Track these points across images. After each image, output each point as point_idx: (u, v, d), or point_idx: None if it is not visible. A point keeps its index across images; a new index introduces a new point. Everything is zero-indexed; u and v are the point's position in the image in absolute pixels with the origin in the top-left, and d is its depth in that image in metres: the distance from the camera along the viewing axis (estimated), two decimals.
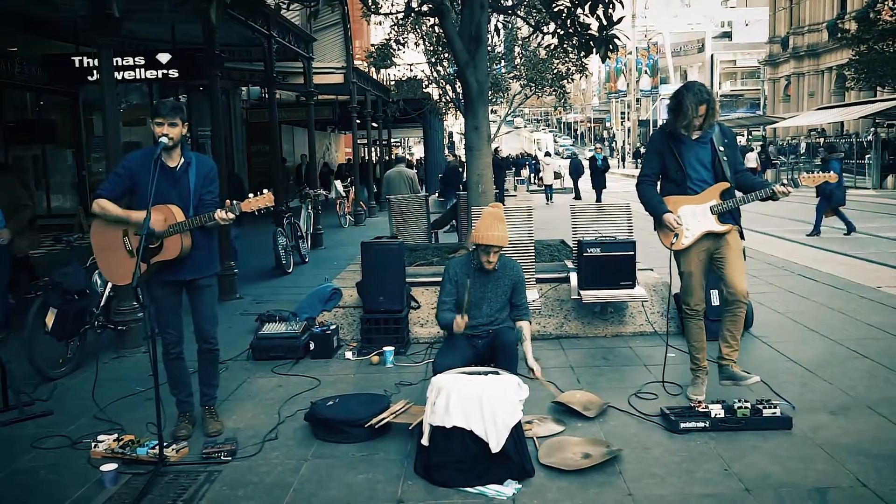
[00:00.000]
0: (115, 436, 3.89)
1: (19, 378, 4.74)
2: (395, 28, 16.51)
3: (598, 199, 19.32)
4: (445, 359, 4.23)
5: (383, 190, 12.95)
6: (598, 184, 20.43)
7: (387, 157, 24.81)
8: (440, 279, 6.04)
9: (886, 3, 22.44)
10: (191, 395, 4.21)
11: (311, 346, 5.63)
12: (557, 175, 27.27)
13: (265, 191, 3.91)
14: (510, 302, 4.49)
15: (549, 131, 77.79)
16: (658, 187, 4.48)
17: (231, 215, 3.80)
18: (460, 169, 14.24)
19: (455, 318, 4.22)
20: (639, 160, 49.93)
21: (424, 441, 3.51)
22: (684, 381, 4.70)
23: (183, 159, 3.96)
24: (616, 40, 6.84)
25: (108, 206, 3.87)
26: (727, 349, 4.39)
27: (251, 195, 3.88)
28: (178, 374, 4.15)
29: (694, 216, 4.28)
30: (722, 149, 4.30)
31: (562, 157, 48.92)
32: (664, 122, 4.50)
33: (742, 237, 4.42)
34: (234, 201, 3.83)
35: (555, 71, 17.64)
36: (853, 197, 20.72)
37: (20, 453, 3.93)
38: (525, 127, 78.70)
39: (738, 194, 4.31)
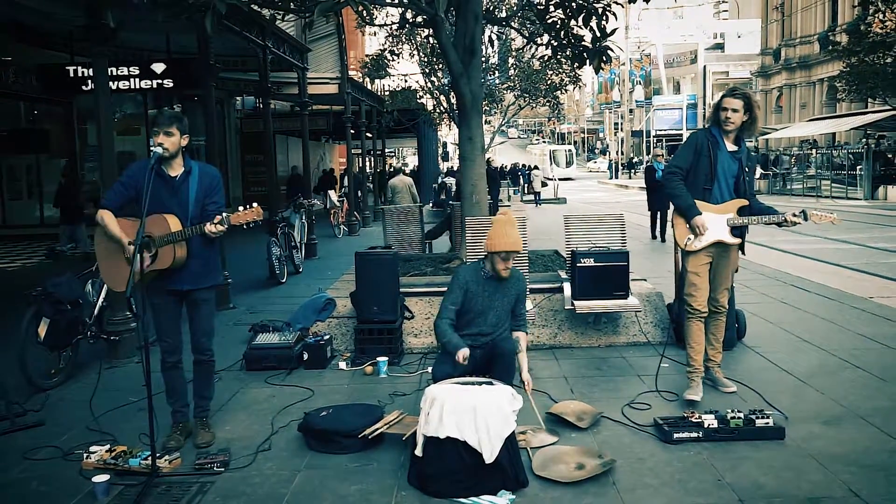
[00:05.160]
0: (108, 446, 3.87)
1: (11, 388, 4.72)
2: (390, 39, 16.56)
3: (655, 227, 13.83)
4: (444, 367, 4.25)
5: (388, 196, 14.20)
6: (658, 203, 13.50)
7: (380, 168, 24.96)
8: (434, 289, 6.09)
9: (877, 15, 22.66)
10: (186, 406, 4.20)
11: (305, 356, 5.62)
12: (544, 183, 28.82)
13: (254, 204, 3.87)
14: (511, 311, 4.51)
15: (543, 141, 77.56)
16: None
17: (221, 228, 3.76)
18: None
19: (461, 350, 4.15)
20: (632, 171, 50.13)
21: (418, 452, 3.51)
22: (678, 391, 4.72)
23: (183, 169, 3.96)
24: (609, 52, 6.89)
25: (108, 223, 3.90)
26: (712, 351, 4.79)
27: (241, 208, 3.86)
28: (174, 384, 4.14)
29: (711, 223, 4.49)
30: (747, 168, 4.55)
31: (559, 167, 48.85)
32: (707, 123, 4.70)
33: (743, 252, 4.68)
34: (225, 214, 3.81)
35: (548, 82, 17.70)
36: (845, 208, 20.85)
37: (11, 465, 3.90)
38: (536, 142, 77.88)
39: (753, 215, 4.55)
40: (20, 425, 4.42)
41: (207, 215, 3.90)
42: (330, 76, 16.02)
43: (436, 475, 3.42)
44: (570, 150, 56.53)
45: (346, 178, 21.47)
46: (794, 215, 4.43)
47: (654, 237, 13.87)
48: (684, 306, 4.73)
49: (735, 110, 4.44)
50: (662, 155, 15.63)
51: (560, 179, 40.52)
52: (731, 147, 4.54)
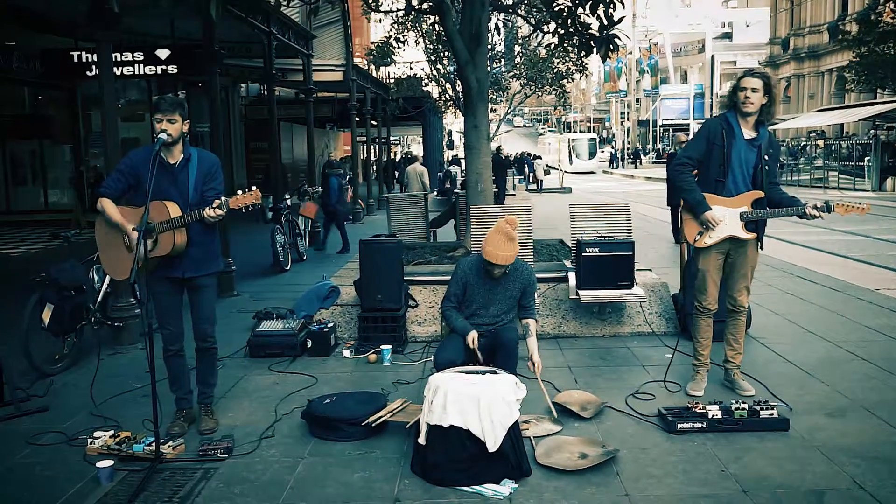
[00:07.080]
0: (112, 432, 3.88)
1: (15, 374, 4.73)
2: (396, 26, 16.49)
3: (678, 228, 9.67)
4: (446, 354, 4.26)
5: (403, 183, 14.85)
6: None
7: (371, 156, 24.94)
8: (438, 278, 6.08)
9: (888, 4, 22.45)
10: (189, 393, 4.20)
11: (309, 343, 5.62)
12: (547, 171, 30.29)
13: (253, 188, 3.87)
14: (518, 303, 4.49)
15: (550, 130, 77.02)
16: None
17: (221, 212, 3.76)
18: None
19: (470, 333, 4.24)
20: (638, 161, 49.85)
21: (421, 440, 3.51)
22: (683, 382, 4.70)
23: (183, 155, 3.94)
24: (616, 40, 6.83)
25: (109, 210, 3.90)
26: (731, 352, 4.59)
27: (239, 192, 3.85)
28: (177, 372, 4.14)
29: (723, 218, 4.28)
30: (766, 157, 4.27)
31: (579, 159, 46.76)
32: (724, 110, 4.42)
33: (761, 247, 4.43)
34: (224, 198, 3.80)
35: (555, 70, 17.64)
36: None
37: (16, 449, 3.91)
38: (542, 131, 75.84)
39: (769, 207, 4.30)
40: (24, 410, 4.43)
41: (206, 201, 3.88)
42: (335, 63, 15.93)
43: (439, 463, 3.41)
44: (593, 140, 49.53)
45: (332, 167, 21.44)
46: (816, 208, 4.16)
47: (677, 241, 10.11)
48: (693, 303, 4.60)
49: (755, 90, 4.18)
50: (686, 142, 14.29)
51: (579, 173, 39.36)
52: (748, 134, 4.25)
